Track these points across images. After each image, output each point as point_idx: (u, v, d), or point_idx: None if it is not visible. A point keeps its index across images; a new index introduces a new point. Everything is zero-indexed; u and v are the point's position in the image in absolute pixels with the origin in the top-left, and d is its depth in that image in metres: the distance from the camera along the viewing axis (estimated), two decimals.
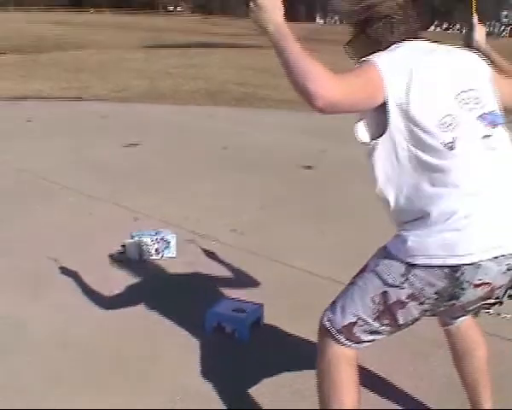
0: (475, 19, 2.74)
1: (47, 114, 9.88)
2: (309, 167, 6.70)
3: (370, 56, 2.04)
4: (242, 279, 3.88)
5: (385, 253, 2.07)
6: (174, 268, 4.14)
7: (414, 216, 2.01)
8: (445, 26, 56.60)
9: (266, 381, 2.89)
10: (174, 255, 4.30)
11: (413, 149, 2.00)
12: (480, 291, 2.00)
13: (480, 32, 2.72)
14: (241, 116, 9.87)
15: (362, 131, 2.08)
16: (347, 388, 2.12)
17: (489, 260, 1.92)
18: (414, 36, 2.16)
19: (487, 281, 1.97)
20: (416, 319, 2.10)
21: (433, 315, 2.23)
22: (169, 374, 2.96)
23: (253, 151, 7.35)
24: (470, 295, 2.00)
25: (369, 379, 2.87)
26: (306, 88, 1.88)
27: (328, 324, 2.15)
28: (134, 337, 3.28)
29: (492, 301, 2.50)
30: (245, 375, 2.96)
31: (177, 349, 3.17)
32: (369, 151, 2.07)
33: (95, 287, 3.76)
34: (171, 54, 21.24)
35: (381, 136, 2.03)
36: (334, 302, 2.18)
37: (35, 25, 38.29)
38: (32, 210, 5.22)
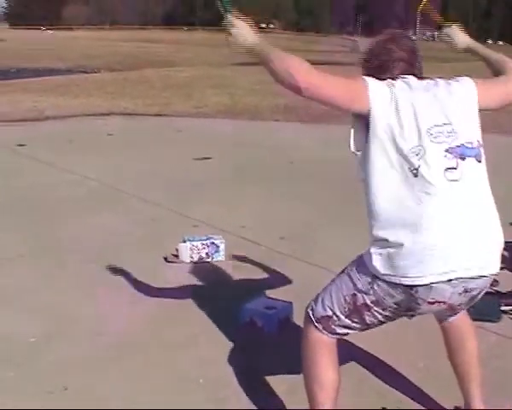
0: (446, 26, 2.98)
1: (127, 129, 10.55)
2: None
3: None
4: (280, 280, 4.22)
5: (360, 261, 2.40)
6: (221, 270, 4.53)
7: (379, 236, 2.31)
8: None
9: (286, 371, 3.19)
10: (223, 259, 4.69)
11: (382, 168, 2.31)
12: (437, 307, 2.32)
13: (457, 34, 2.97)
14: (313, 132, 10.20)
15: (352, 141, 2.42)
16: (325, 369, 2.46)
17: (442, 282, 2.22)
18: (406, 74, 2.48)
19: (441, 300, 2.28)
20: (382, 322, 2.44)
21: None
22: (198, 360, 3.34)
23: (318, 166, 7.64)
24: (426, 309, 2.33)
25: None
26: (289, 73, 2.28)
27: (310, 312, 2.51)
28: (175, 328, 3.67)
29: None
30: (267, 365, 3.29)
31: (209, 340, 3.54)
32: (357, 162, 2.41)
33: (146, 285, 4.19)
34: (257, 71, 21.81)
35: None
36: (318, 295, 2.53)
37: (129, 43, 39.93)
38: (100, 215, 5.74)
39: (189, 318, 3.80)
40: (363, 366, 3.25)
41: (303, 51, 34.16)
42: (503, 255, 2.49)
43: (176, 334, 3.62)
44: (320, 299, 2.50)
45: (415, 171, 2.26)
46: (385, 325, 2.54)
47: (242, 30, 2.47)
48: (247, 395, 3.03)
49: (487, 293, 3.84)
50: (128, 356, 3.38)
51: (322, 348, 2.47)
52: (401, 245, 2.23)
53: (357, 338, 3.19)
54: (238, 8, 2.53)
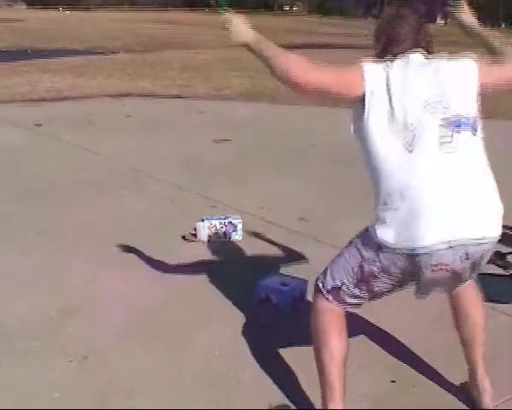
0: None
1: (146, 111, 10.72)
2: None
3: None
4: (297, 260, 4.40)
5: (366, 233, 2.58)
6: (238, 249, 4.71)
7: (382, 209, 2.49)
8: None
9: (300, 346, 3.33)
10: (240, 238, 4.86)
11: (379, 145, 2.48)
12: (440, 273, 2.46)
13: (466, 15, 3.03)
14: (336, 115, 10.25)
15: (352, 125, 2.61)
16: (335, 337, 2.64)
17: (443, 247, 2.37)
18: (408, 51, 2.63)
19: (443, 265, 2.42)
20: (390, 290, 2.61)
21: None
22: (213, 334, 3.52)
23: (339, 149, 7.68)
24: (430, 276, 2.47)
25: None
26: (286, 71, 2.50)
27: (320, 284, 2.70)
28: (191, 304, 3.85)
29: None
30: (281, 340, 3.46)
31: (224, 315, 3.72)
32: (357, 140, 2.60)
33: (164, 263, 4.36)
34: None
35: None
36: (327, 267, 2.72)
37: (148, 24, 40.08)
38: (119, 196, 5.93)
39: (204, 294, 3.97)
40: (373, 342, 3.41)
41: (327, 34, 34.13)
42: None
43: (192, 310, 3.79)
44: (329, 271, 2.68)
45: (410, 143, 2.43)
46: (395, 302, 2.69)
47: (238, 27, 2.65)
48: (261, 369, 3.20)
49: (501, 276, 4.03)
50: (143, 331, 3.56)
51: (331, 318, 2.65)
52: (402, 214, 2.41)
53: (367, 314, 3.36)
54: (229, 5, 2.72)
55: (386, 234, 2.45)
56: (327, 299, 2.66)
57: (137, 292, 3.99)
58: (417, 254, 2.40)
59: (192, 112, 10.58)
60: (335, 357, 2.61)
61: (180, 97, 12.33)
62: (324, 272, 2.71)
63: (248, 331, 3.55)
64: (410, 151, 2.44)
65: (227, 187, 6.25)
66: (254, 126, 9.43)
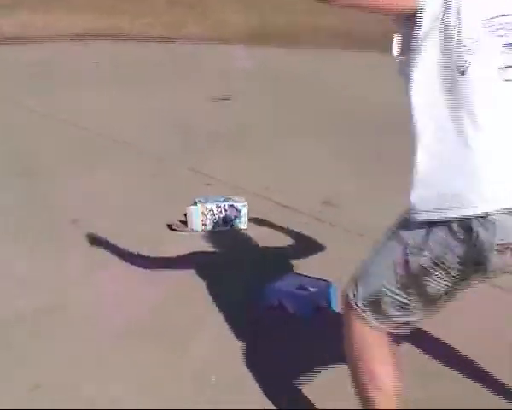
0: None
1: (119, 58, 10.67)
2: None
3: None
4: (318, 255, 4.31)
5: (406, 219, 2.46)
6: (242, 241, 4.69)
7: (424, 166, 2.42)
8: None
9: (304, 347, 3.41)
10: (245, 227, 4.84)
11: (427, 68, 2.42)
12: (503, 257, 2.33)
13: None
14: (361, 62, 10.17)
15: (395, 45, 2.53)
16: (382, 365, 2.53)
17: (506, 214, 2.27)
18: None
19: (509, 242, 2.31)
20: (449, 292, 2.48)
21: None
22: (214, 334, 3.61)
23: (368, 108, 7.66)
24: (496, 263, 2.36)
25: None
26: None
27: (352, 297, 2.56)
28: (181, 313, 3.83)
29: None
30: (284, 341, 3.53)
31: (226, 317, 3.74)
32: (399, 67, 2.52)
33: (146, 259, 4.35)
34: None
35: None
36: (357, 274, 2.60)
37: None
38: (91, 172, 5.91)
39: (199, 301, 3.95)
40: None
41: None
42: None
43: (183, 320, 3.77)
44: (361, 277, 2.58)
45: (462, 68, 2.37)
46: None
47: None
48: (262, 369, 3.31)
49: None
50: (143, 331, 3.67)
51: (373, 341, 2.55)
52: (451, 167, 2.34)
53: None
54: None
55: (433, 201, 2.36)
56: (364, 319, 2.55)
57: (136, 292, 4.03)
58: (476, 230, 2.30)
59: (181, 59, 10.55)
60: (388, 390, 2.53)
61: (165, 40, 12.27)
62: (354, 281, 2.60)
63: (251, 332, 3.62)
64: (463, 73, 2.37)
65: (225, 159, 6.24)
66: (261, 78, 9.40)
